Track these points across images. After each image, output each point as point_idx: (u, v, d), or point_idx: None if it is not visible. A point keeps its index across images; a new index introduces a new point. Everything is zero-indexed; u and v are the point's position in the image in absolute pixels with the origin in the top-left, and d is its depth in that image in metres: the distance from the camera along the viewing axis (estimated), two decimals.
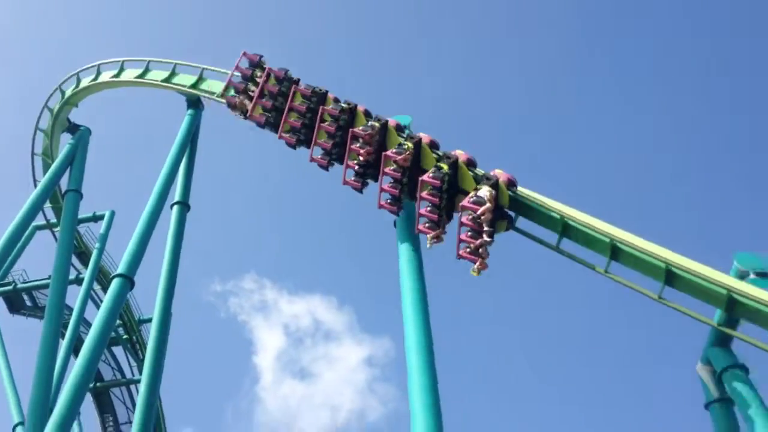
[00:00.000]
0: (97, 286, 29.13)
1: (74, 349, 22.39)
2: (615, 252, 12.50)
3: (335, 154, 15.92)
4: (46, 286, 26.49)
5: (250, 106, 17.46)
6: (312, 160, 16.10)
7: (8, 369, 24.42)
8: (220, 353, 41.62)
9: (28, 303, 29.71)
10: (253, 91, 17.49)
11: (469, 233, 13.27)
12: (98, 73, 22.41)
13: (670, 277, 11.97)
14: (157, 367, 17.44)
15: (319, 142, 15.95)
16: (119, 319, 28.23)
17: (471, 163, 14.37)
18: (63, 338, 22.48)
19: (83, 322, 24.90)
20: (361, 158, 15.12)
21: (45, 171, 23.75)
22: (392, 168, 14.62)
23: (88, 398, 29.50)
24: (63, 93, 23.10)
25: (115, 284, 15.66)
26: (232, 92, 18.11)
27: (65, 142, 23.24)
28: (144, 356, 21.02)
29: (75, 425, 24.83)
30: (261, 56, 17.75)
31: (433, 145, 15.01)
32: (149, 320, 25.94)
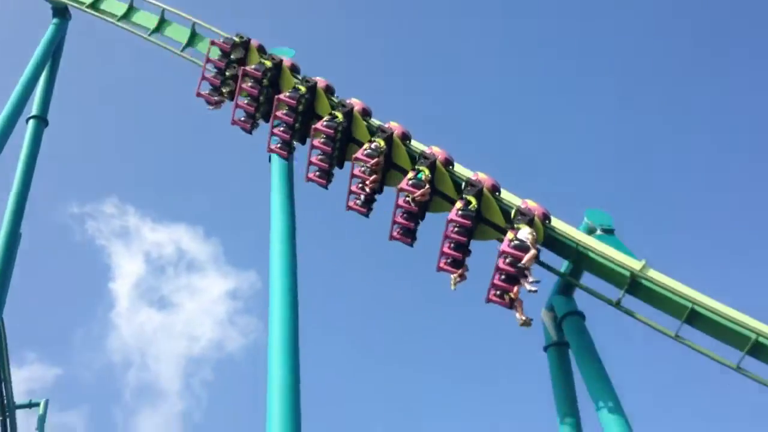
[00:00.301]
0: None
1: None
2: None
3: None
4: None
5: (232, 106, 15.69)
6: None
7: None
8: (72, 277, 39.70)
9: None
10: (229, 83, 15.86)
11: (502, 277, 12.00)
12: None
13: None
14: (1, 288, 16.58)
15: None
16: None
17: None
18: None
19: None
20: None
21: None
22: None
23: None
24: None
25: None
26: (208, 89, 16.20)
27: None
28: None
29: None
30: (232, 43, 15.91)
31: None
32: None
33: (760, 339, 11.32)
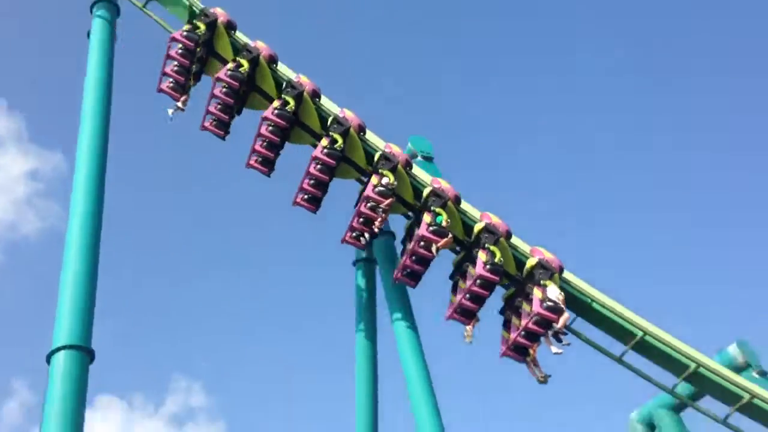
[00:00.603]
0: None
1: None
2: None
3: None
4: None
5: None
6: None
7: None
8: None
9: None
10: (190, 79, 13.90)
11: (524, 335, 11.71)
12: None
13: None
14: None
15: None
16: None
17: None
18: None
19: None
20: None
21: None
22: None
23: None
24: None
25: None
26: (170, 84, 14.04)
27: None
28: None
29: None
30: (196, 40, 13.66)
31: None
32: None
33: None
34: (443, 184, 12.62)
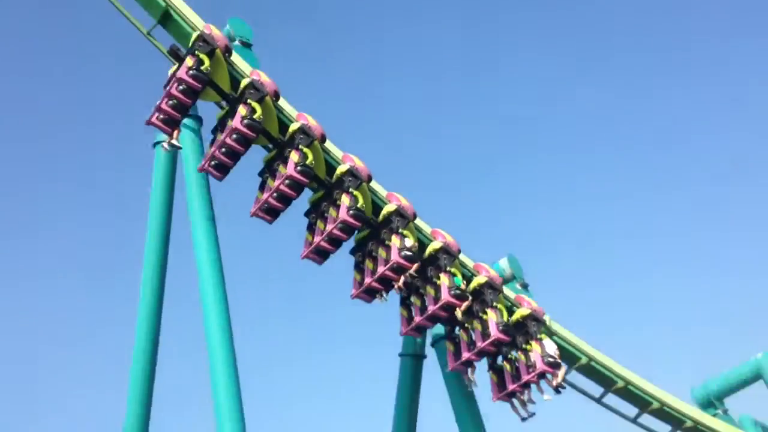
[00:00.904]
0: None
1: None
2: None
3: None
4: None
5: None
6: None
7: None
8: None
9: None
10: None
11: (521, 385, 12.32)
12: None
13: None
14: None
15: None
16: None
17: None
18: None
19: None
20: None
21: None
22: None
23: None
24: None
25: None
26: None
27: None
28: None
29: None
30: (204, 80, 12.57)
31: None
32: None
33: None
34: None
